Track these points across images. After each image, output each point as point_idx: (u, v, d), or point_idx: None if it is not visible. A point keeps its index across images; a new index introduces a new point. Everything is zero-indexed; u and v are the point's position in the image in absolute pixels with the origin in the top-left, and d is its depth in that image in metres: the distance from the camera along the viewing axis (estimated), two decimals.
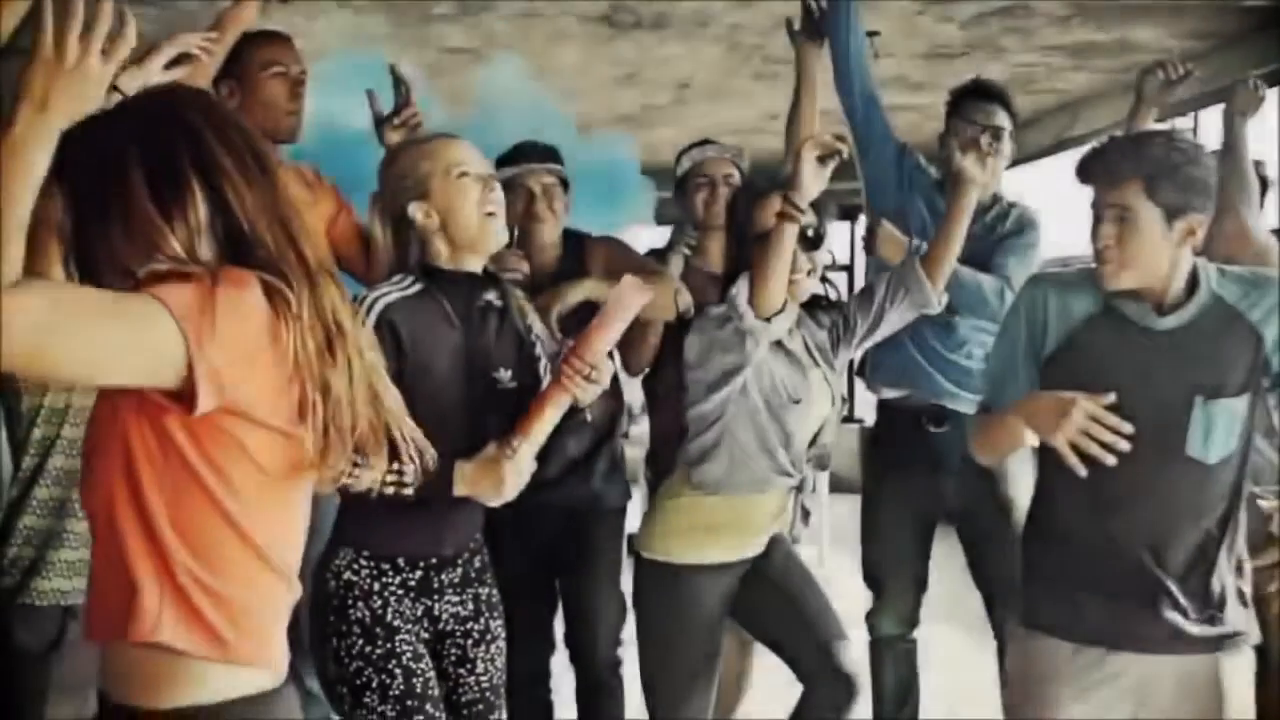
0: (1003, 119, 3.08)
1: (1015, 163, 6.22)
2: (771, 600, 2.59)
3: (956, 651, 4.14)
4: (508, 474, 2.05)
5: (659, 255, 3.17)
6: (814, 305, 2.65)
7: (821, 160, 2.30)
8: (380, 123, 2.67)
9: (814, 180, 2.29)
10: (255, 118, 2.49)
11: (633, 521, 2.93)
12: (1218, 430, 2.12)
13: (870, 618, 3.19)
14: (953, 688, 3.87)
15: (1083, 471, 1.98)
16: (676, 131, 5.01)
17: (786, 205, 2.29)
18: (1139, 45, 4.34)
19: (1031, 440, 2.14)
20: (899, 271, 2.62)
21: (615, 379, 2.98)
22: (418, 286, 2.14)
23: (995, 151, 3.03)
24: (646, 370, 3.11)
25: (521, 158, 2.86)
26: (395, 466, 2.01)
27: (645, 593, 2.59)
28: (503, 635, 2.28)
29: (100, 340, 1.20)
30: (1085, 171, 2.15)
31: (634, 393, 3.27)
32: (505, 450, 2.07)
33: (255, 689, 1.35)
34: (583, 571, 2.95)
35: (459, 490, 2.06)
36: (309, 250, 1.36)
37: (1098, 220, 2.12)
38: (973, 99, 3.08)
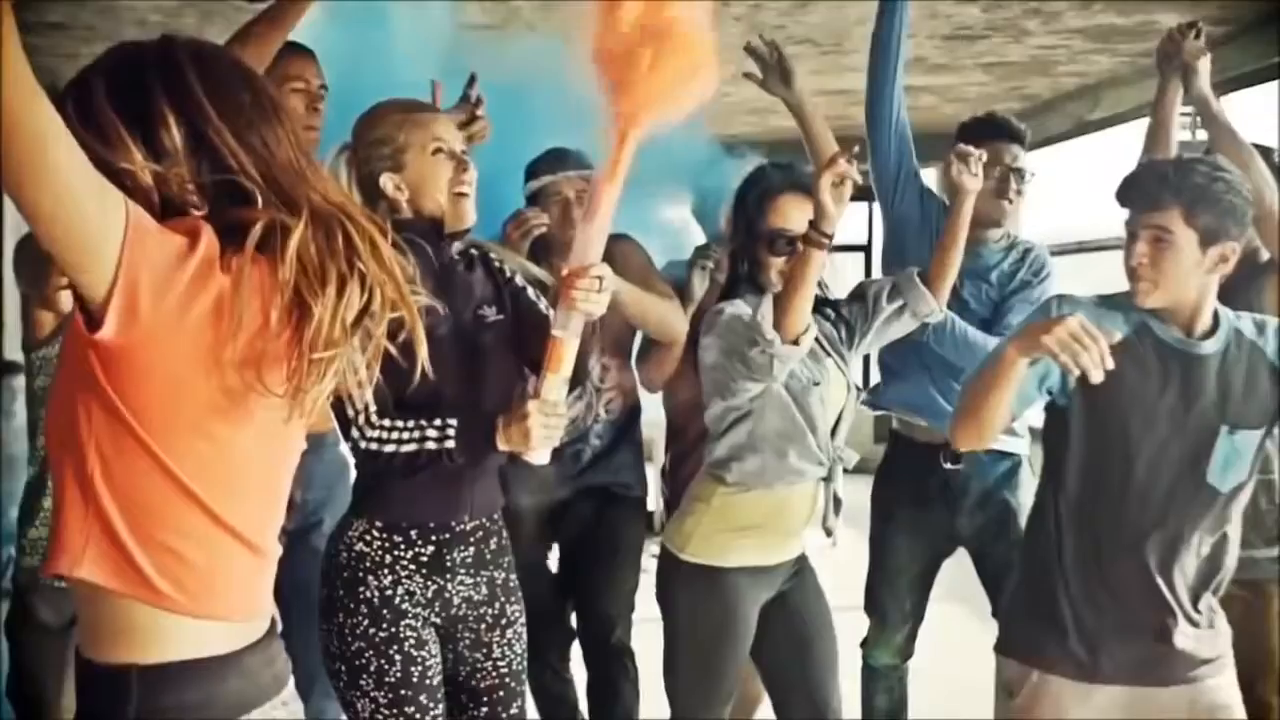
0: (1022, 159, 3.06)
1: (1034, 146, 6.27)
2: (783, 637, 2.60)
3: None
4: (534, 421, 2.00)
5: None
6: (818, 301, 2.65)
7: (838, 186, 2.31)
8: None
9: (837, 207, 2.30)
10: None
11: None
12: (1238, 460, 2.15)
13: (865, 646, 3.21)
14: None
15: (1075, 371, 1.94)
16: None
17: (813, 232, 2.30)
18: (1161, 30, 4.31)
19: (1018, 379, 2.09)
20: (897, 281, 2.63)
21: (631, 381, 3.08)
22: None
23: (1019, 193, 3.04)
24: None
25: (557, 164, 2.90)
26: (412, 424, 2.03)
27: (683, 594, 2.56)
28: (521, 621, 2.26)
29: (81, 172, 1.17)
30: (1125, 194, 2.15)
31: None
32: (531, 397, 2.04)
33: (206, 653, 1.31)
34: (603, 557, 3.02)
35: (500, 444, 2.04)
36: (316, 194, 1.32)
37: (1133, 239, 2.12)
38: (990, 138, 3.00)
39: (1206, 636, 2.21)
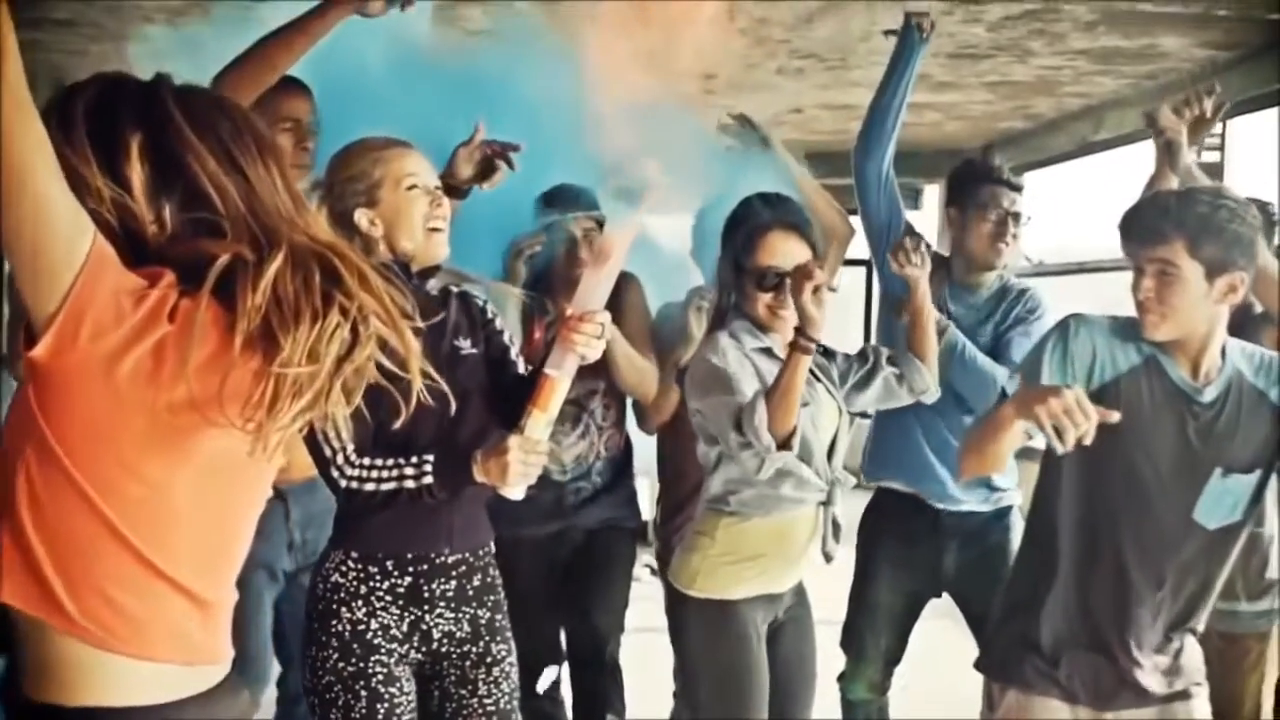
0: (1019, 203, 3.09)
1: (1036, 165, 6.28)
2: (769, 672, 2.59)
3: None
4: (513, 457, 2.00)
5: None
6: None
7: (817, 294, 2.34)
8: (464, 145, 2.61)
9: (819, 313, 2.34)
10: None
11: None
12: (1227, 501, 2.15)
13: (842, 680, 3.20)
14: None
15: (1060, 449, 1.94)
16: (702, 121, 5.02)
17: (800, 338, 2.33)
18: (1165, 53, 4.34)
19: (1019, 433, 2.11)
20: (895, 356, 2.67)
21: (621, 412, 3.15)
22: None
23: (1015, 237, 3.08)
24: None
25: (566, 203, 2.94)
26: (390, 462, 2.03)
27: (696, 631, 2.56)
28: (509, 661, 2.25)
29: (60, 194, 1.17)
30: (1128, 229, 2.15)
31: None
32: (514, 430, 2.04)
33: (139, 700, 1.27)
34: (597, 577, 3.09)
35: (476, 475, 2.05)
36: (301, 233, 1.30)
37: (1139, 273, 2.12)
38: (986, 184, 3.06)
39: (1174, 671, 2.22)
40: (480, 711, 2.20)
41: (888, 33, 3.69)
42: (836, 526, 2.60)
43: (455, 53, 2.84)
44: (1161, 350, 2.15)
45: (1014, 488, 3.10)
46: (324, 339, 1.25)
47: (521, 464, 2.00)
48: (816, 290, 2.33)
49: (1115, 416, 1.97)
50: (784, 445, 2.35)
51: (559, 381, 2.03)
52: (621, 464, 3.16)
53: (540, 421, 2.03)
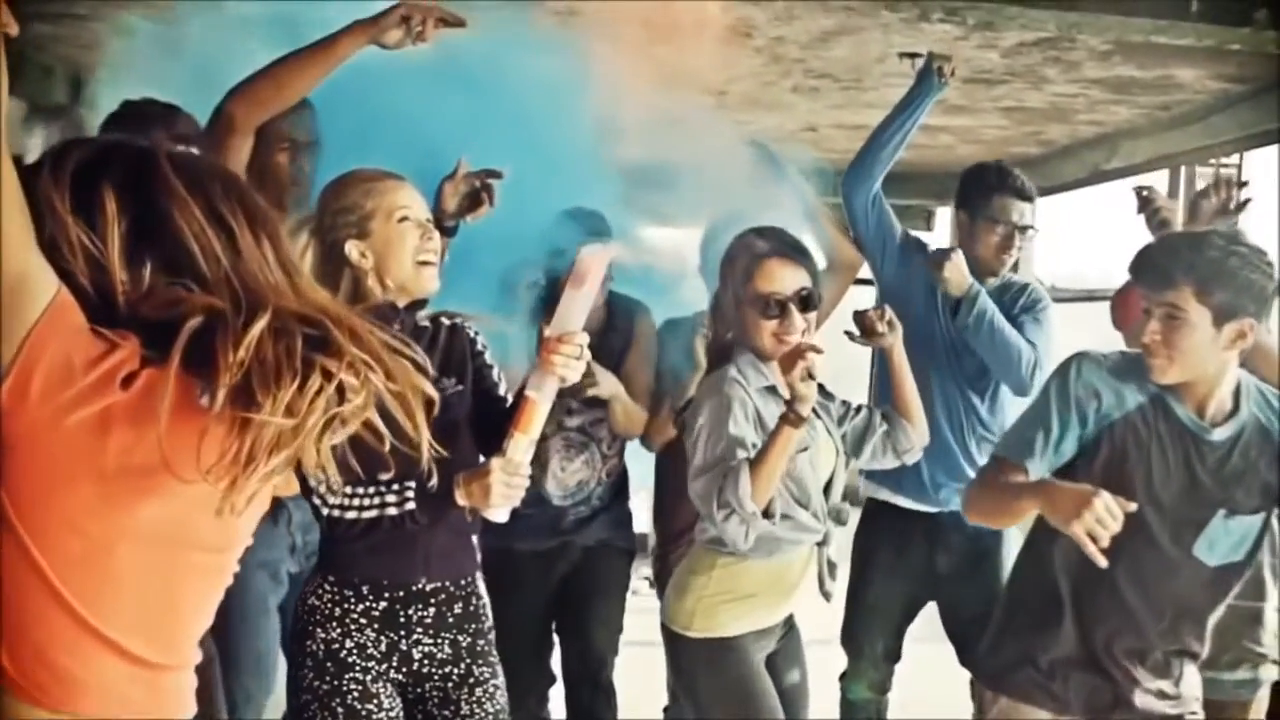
0: (1028, 215, 3.14)
1: (1049, 191, 6.29)
2: None
3: None
4: (495, 478, 2.01)
5: None
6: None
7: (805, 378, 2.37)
8: (448, 179, 2.65)
9: (810, 391, 2.37)
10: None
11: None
12: (1229, 540, 2.15)
13: (844, 680, 3.23)
14: None
15: (1103, 562, 1.97)
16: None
17: (790, 412, 2.37)
18: (1180, 84, 4.33)
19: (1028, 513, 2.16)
20: (885, 413, 2.71)
21: (625, 445, 3.19)
22: None
23: (1020, 249, 3.19)
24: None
25: (574, 226, 2.94)
26: (372, 490, 2.05)
27: (702, 673, 2.57)
28: (494, 683, 2.24)
29: (23, 245, 1.18)
30: (1138, 271, 2.15)
31: None
32: (496, 454, 2.05)
33: None
34: (594, 598, 3.13)
35: (458, 499, 2.06)
36: (290, 299, 1.30)
37: (1147, 315, 2.12)
38: (996, 195, 3.11)
39: (1172, 696, 2.21)
40: None
41: (903, 55, 3.70)
42: (832, 566, 2.63)
43: (463, 64, 2.83)
44: (1168, 389, 2.14)
45: None
46: (304, 400, 1.24)
47: (504, 485, 2.01)
48: (808, 371, 2.36)
49: (1132, 507, 1.98)
50: (765, 514, 2.38)
51: (539, 404, 2.05)
52: (618, 487, 3.20)
53: (522, 443, 2.04)
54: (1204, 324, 2.05)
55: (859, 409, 2.74)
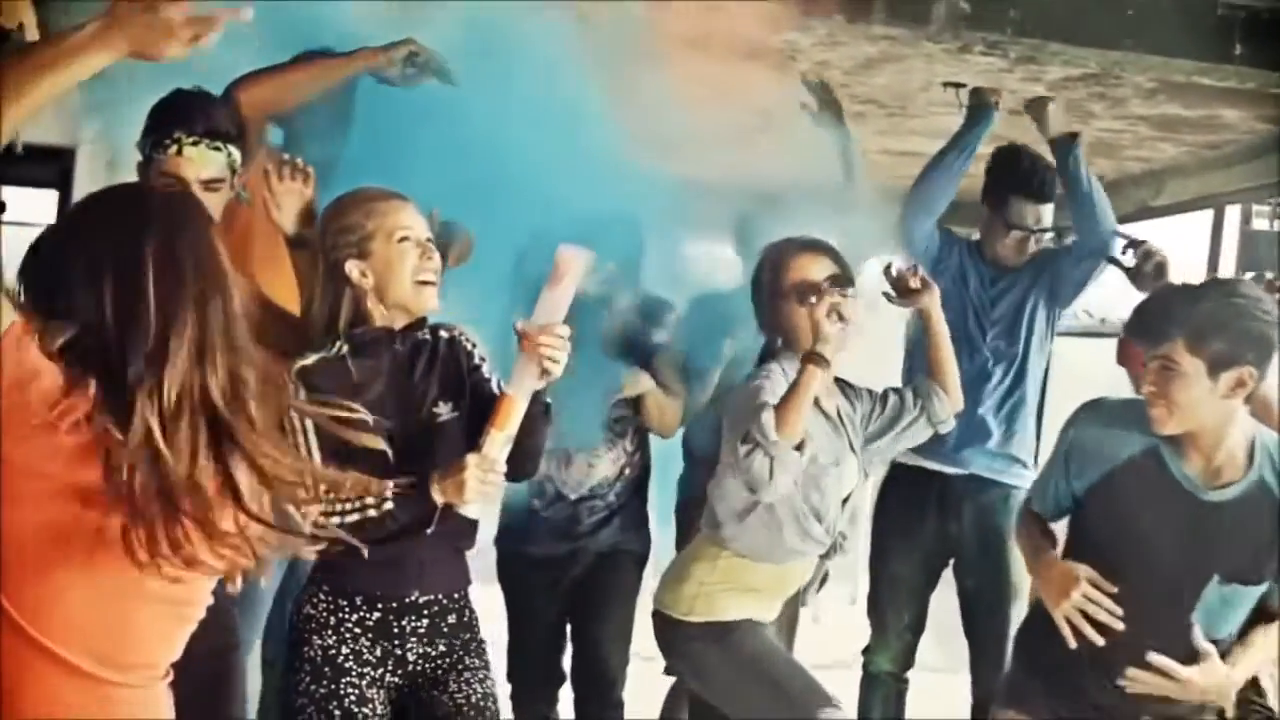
0: (1046, 218, 3.26)
1: None
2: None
3: None
4: (470, 475, 2.03)
5: None
6: (847, 385, 2.71)
7: (830, 315, 2.41)
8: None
9: (838, 336, 2.40)
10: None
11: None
12: (1224, 611, 2.12)
13: (867, 653, 3.26)
14: None
15: (1073, 644, 2.04)
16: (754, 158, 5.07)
17: (814, 352, 2.40)
18: (1227, 124, 4.32)
19: None
20: (916, 386, 2.71)
21: (645, 438, 3.20)
22: (342, 348, 2.17)
23: (1039, 243, 3.32)
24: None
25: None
26: (355, 500, 2.04)
27: (714, 653, 2.56)
28: (483, 675, 2.26)
29: None
30: (1133, 328, 2.18)
31: None
32: (473, 450, 2.07)
33: None
34: (609, 610, 3.13)
35: (434, 495, 2.08)
36: (217, 373, 1.34)
37: (1145, 368, 2.13)
38: (1018, 197, 3.19)
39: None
40: (449, 703, 2.21)
41: (947, 84, 3.74)
42: (825, 577, 2.66)
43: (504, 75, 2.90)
44: (1169, 442, 2.12)
45: (1032, 468, 3.20)
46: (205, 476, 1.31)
47: (479, 481, 2.04)
48: (837, 310, 2.38)
49: (1112, 592, 2.06)
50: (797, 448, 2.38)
51: (517, 400, 2.07)
52: (637, 486, 3.20)
53: (498, 440, 2.06)
54: (1198, 375, 2.04)
55: (885, 395, 2.73)
